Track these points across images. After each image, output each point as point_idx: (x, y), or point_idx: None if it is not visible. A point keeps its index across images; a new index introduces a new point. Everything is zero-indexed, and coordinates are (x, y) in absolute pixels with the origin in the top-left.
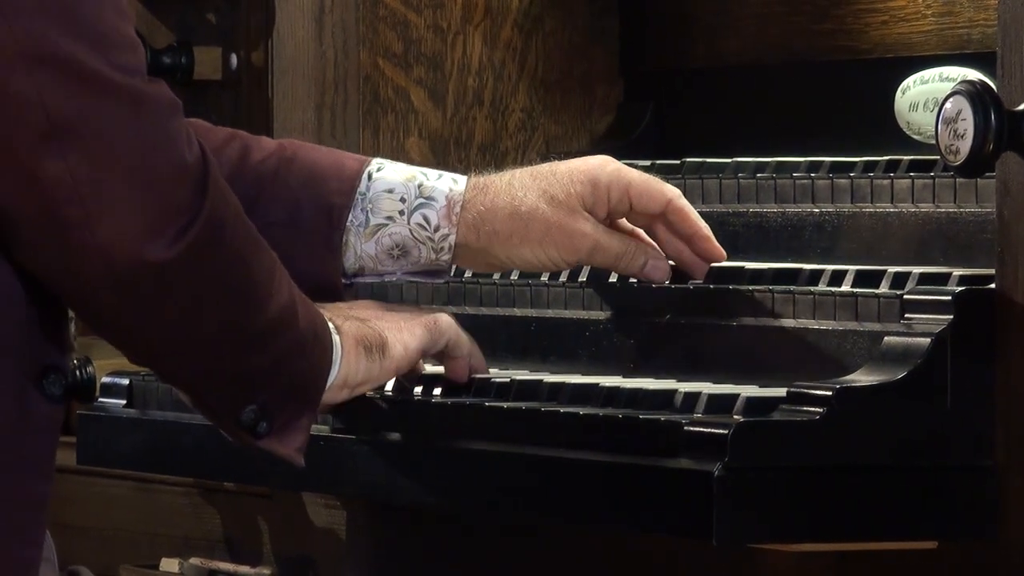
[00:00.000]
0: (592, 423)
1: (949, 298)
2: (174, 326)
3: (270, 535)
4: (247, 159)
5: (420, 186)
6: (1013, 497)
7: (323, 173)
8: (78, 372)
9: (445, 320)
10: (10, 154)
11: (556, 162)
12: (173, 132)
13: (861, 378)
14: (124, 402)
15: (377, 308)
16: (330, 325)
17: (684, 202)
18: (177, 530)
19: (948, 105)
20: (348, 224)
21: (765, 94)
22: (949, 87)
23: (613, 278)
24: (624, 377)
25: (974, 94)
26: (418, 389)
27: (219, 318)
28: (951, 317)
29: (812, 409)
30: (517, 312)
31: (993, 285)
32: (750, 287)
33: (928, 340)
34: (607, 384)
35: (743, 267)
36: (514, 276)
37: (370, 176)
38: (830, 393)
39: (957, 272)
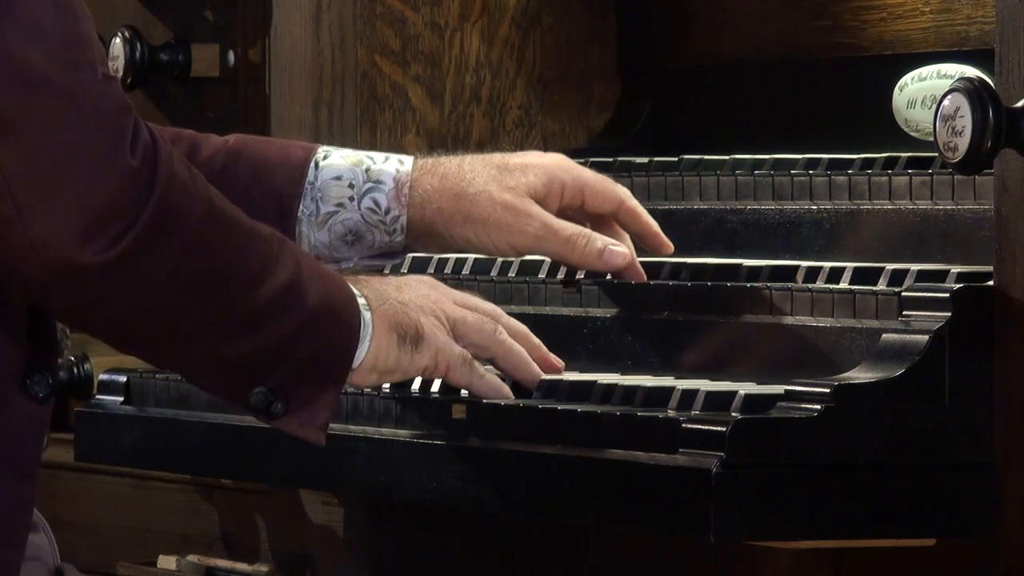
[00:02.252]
0: (589, 420)
1: (947, 295)
2: (141, 322)
3: (268, 532)
4: (195, 157)
5: (367, 170)
6: (1011, 494)
7: (270, 165)
8: (75, 369)
9: (488, 380)
10: None
11: (510, 154)
12: (114, 132)
13: (859, 375)
14: (122, 399)
15: (431, 289)
16: (360, 300)
17: (635, 202)
18: (175, 527)
19: (946, 102)
20: (299, 214)
21: (763, 91)
22: (947, 84)
23: (610, 275)
24: (621, 374)
25: (972, 91)
26: (415, 386)
27: (189, 309)
28: (949, 314)
29: (810, 406)
30: (514, 309)
31: (991, 282)
32: (748, 284)
33: (926, 337)
34: (604, 381)
35: (741, 264)
36: (512, 273)
37: (317, 165)
38: (828, 390)
39: (955, 269)
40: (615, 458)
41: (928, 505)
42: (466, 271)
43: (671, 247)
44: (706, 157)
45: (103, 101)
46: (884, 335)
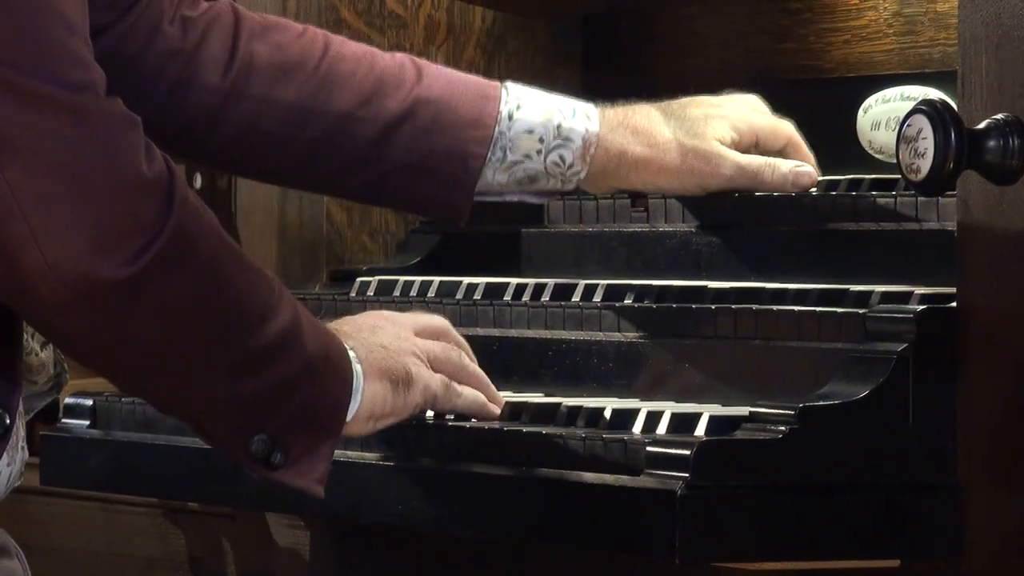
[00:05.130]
0: (554, 443)
1: (911, 316)
2: (150, 349)
3: (234, 555)
4: (384, 102)
5: (558, 127)
6: (975, 515)
7: (460, 121)
8: None
9: (462, 394)
10: None
11: (687, 100)
12: (125, 146)
13: (823, 397)
14: (88, 423)
15: (395, 327)
16: (351, 353)
17: (799, 137)
18: (142, 550)
19: (908, 124)
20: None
21: None
22: (910, 106)
23: (576, 297)
24: (586, 397)
25: (934, 113)
26: None
27: (200, 341)
28: (913, 336)
29: (775, 428)
30: (480, 331)
31: (955, 303)
32: (713, 306)
33: (890, 359)
34: (569, 404)
35: (706, 286)
36: (477, 295)
37: (510, 116)
38: (793, 412)
39: (919, 291)
40: (580, 480)
41: (892, 526)
42: (431, 294)
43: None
44: None
45: (111, 116)
46: (848, 356)
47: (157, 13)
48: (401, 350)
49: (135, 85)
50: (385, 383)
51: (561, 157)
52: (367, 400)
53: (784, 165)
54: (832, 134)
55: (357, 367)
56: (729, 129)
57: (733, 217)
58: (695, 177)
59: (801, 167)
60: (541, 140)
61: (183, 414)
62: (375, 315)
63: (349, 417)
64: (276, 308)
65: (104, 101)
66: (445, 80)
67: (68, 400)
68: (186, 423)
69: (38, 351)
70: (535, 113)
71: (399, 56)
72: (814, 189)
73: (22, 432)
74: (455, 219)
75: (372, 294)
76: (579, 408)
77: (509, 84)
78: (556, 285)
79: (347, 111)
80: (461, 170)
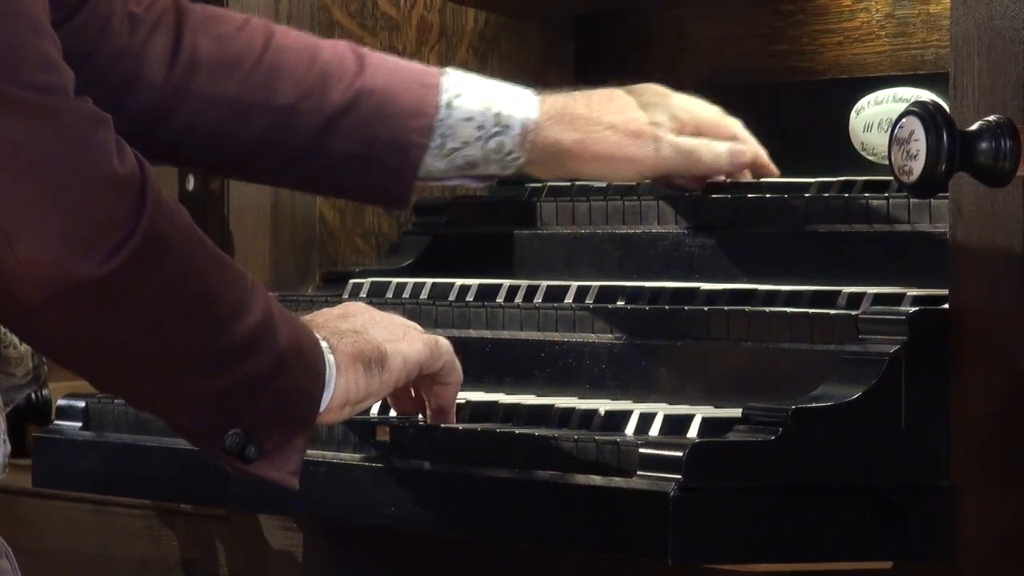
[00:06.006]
0: (547, 444)
1: (903, 318)
2: (125, 347)
3: (227, 557)
4: (327, 94)
5: (497, 114)
6: (968, 517)
7: (402, 111)
8: (33, 395)
9: (445, 342)
10: None
11: (632, 87)
12: (97, 145)
13: (816, 399)
14: (80, 424)
15: (370, 314)
16: (323, 344)
17: (746, 132)
18: (135, 553)
19: (900, 126)
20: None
21: None
22: (903, 108)
23: (569, 298)
24: (579, 398)
25: (926, 115)
26: (374, 411)
27: (176, 337)
28: (905, 338)
29: (767, 430)
30: (472, 333)
31: (947, 305)
32: (705, 308)
33: (883, 361)
34: (562, 405)
35: (698, 288)
36: (470, 297)
37: (449, 104)
38: (785, 414)
39: (911, 292)
40: (573, 482)
41: (885, 528)
42: (424, 295)
43: (777, 172)
44: None
45: (81, 117)
46: (841, 358)
47: (107, 10)
48: (375, 327)
49: (86, 81)
50: (358, 367)
51: (500, 144)
52: (340, 389)
53: (721, 144)
54: (824, 136)
55: (330, 357)
56: (668, 118)
57: (726, 219)
58: (630, 163)
59: (738, 145)
60: (480, 127)
61: (158, 410)
62: (347, 304)
63: (323, 408)
64: (249, 303)
65: (74, 102)
66: (386, 70)
67: (61, 402)
68: (162, 419)
69: (16, 344)
70: (474, 101)
71: (340, 46)
72: (807, 193)
73: (3, 425)
74: (397, 207)
75: (365, 295)
76: (572, 410)
77: (450, 71)
78: (549, 287)
79: (290, 105)
80: (403, 160)
